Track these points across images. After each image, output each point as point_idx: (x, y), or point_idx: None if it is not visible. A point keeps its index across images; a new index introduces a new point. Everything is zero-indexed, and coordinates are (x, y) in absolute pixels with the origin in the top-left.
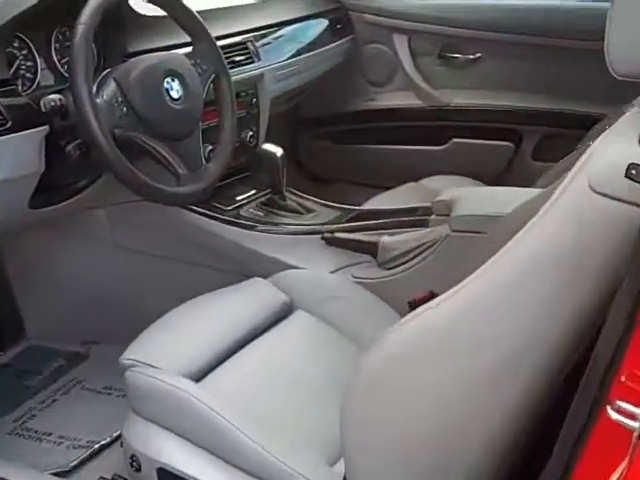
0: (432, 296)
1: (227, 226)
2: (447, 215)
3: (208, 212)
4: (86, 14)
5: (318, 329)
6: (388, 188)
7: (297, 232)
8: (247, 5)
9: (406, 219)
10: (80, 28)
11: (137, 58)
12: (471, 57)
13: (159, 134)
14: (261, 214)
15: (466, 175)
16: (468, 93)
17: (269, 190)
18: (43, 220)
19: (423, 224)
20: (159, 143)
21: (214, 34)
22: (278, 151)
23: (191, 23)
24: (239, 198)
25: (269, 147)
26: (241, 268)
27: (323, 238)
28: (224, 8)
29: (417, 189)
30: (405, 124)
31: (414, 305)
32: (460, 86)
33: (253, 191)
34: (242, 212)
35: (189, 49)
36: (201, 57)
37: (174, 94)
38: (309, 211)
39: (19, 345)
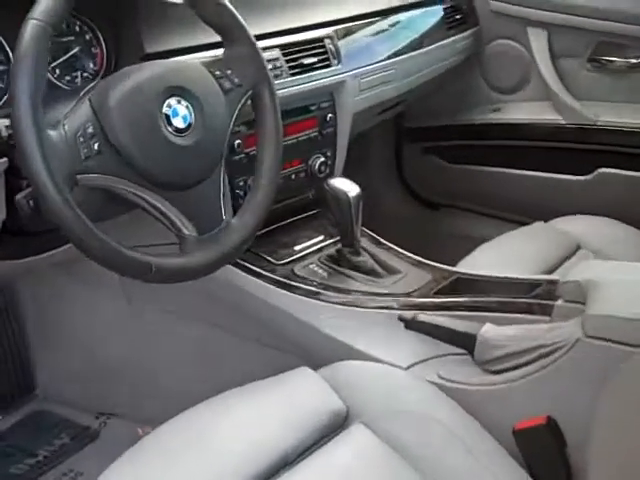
0: (550, 424)
1: (273, 287)
2: (581, 304)
3: (249, 265)
4: (43, 4)
5: (381, 457)
6: (508, 221)
7: (368, 306)
8: None
9: (520, 300)
10: (30, 25)
11: (125, 69)
12: (633, 61)
13: (153, 181)
14: (324, 274)
15: (616, 217)
16: (622, 109)
17: (339, 238)
18: (35, 269)
19: (544, 311)
20: (153, 194)
21: (277, 26)
22: (352, 189)
23: (220, 16)
24: (298, 248)
25: (340, 183)
26: (286, 345)
27: (402, 319)
28: None
29: (546, 234)
30: (537, 144)
31: (523, 436)
32: (613, 99)
33: (319, 237)
34: (298, 269)
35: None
36: (234, 66)
37: (178, 122)
38: (390, 271)
39: (26, 406)
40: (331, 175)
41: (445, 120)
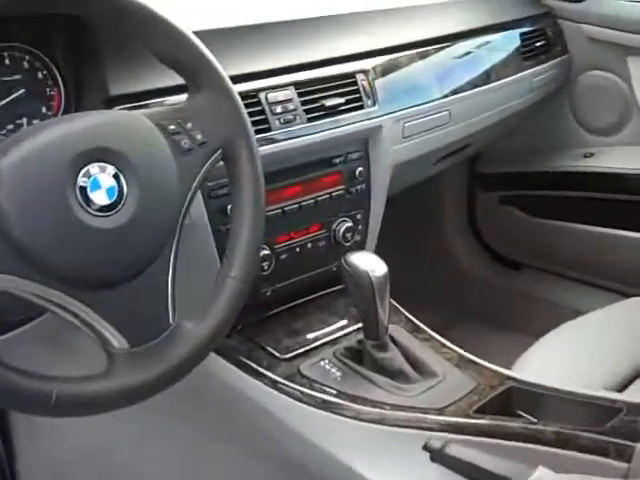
0: None
1: (270, 390)
2: None
3: (244, 359)
4: None
5: None
6: (605, 290)
7: (389, 422)
8: (370, 12)
9: (590, 434)
10: None
11: (37, 125)
12: None
13: (65, 280)
14: (337, 374)
15: None
16: None
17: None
18: None
19: (621, 454)
20: (67, 297)
21: (294, 59)
22: (376, 268)
23: (180, 53)
24: (311, 336)
25: (361, 259)
26: (285, 464)
27: (427, 449)
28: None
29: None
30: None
31: None
32: None
33: (340, 323)
34: (305, 368)
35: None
36: (197, 118)
37: (100, 198)
38: (425, 373)
39: None
40: (363, 244)
41: (526, 166)
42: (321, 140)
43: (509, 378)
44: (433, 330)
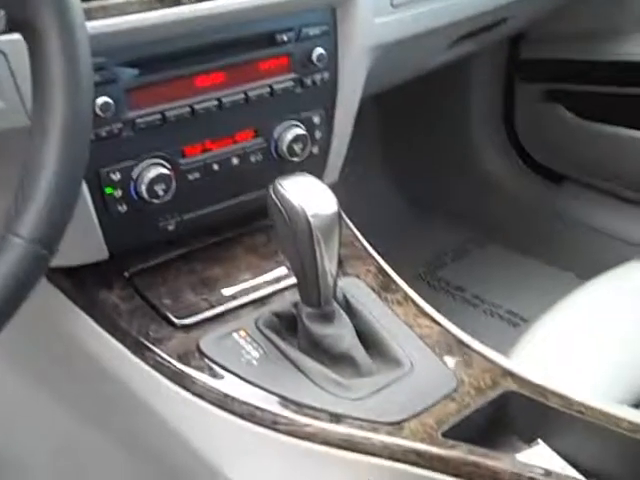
0: None
1: (153, 374)
2: None
3: (124, 324)
4: None
5: None
6: None
7: (314, 439)
8: None
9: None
10: None
11: None
12: None
13: None
14: (254, 354)
15: None
16: None
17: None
18: None
19: None
20: None
21: None
22: (323, 202)
23: None
24: (228, 292)
25: (301, 188)
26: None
27: None
28: None
29: None
30: None
31: None
32: None
33: (274, 272)
34: (207, 343)
35: None
36: None
37: None
38: (384, 360)
39: None
40: (322, 162)
41: (581, 52)
42: (257, 4)
43: (509, 374)
44: (444, 255)
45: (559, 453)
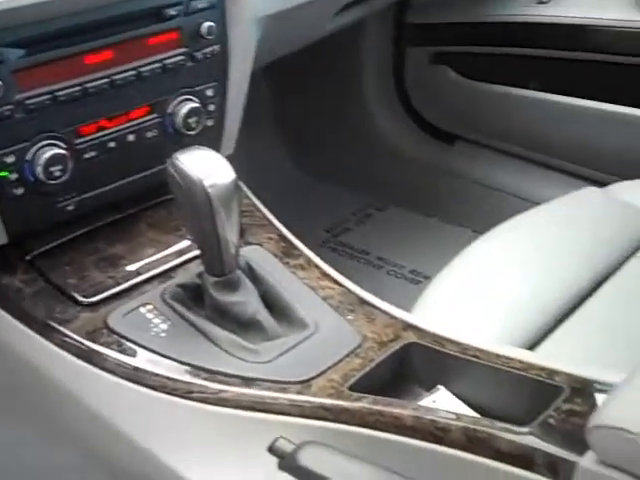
0: None
1: (62, 354)
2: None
3: (28, 307)
4: None
5: None
6: (554, 170)
7: (224, 404)
8: None
9: (509, 438)
10: None
11: None
12: None
13: None
14: (162, 326)
15: None
16: None
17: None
18: None
19: (554, 469)
20: None
21: None
22: (220, 173)
23: None
24: (132, 268)
25: (198, 160)
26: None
27: (274, 452)
28: None
29: (600, 210)
30: (606, 59)
31: None
32: None
33: (177, 246)
34: (116, 317)
35: None
36: None
37: None
38: (291, 323)
39: None
40: (218, 133)
41: (465, 15)
42: None
43: (410, 327)
44: (346, 220)
45: (458, 396)
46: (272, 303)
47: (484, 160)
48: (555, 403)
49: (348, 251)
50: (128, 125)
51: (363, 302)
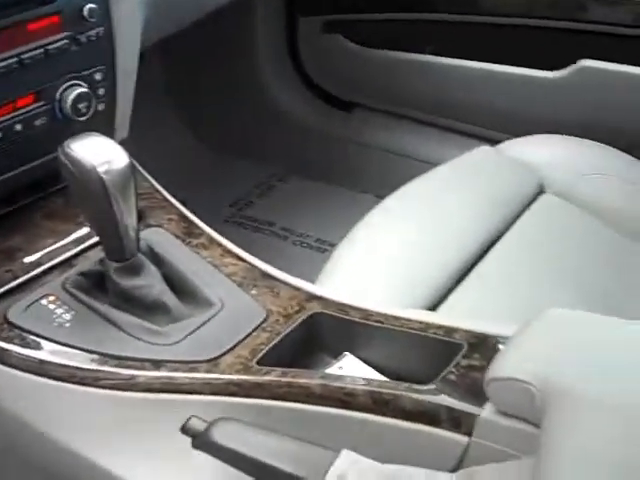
0: None
1: None
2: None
3: None
4: None
5: None
6: (447, 131)
7: (135, 388)
8: None
9: (415, 393)
10: None
11: None
12: None
13: None
14: (66, 317)
15: (602, 139)
16: None
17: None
18: None
19: (456, 422)
20: None
21: None
22: (114, 158)
23: None
24: (30, 260)
25: (91, 146)
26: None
27: (187, 431)
28: None
29: (493, 168)
30: (493, 21)
31: None
32: None
33: (75, 234)
34: (15, 313)
35: None
36: None
37: None
38: (196, 302)
39: None
40: (110, 117)
41: None
42: None
43: (314, 298)
44: (249, 194)
45: (365, 361)
46: (176, 284)
47: (382, 126)
48: (455, 359)
49: (253, 224)
50: (14, 115)
51: (266, 276)
